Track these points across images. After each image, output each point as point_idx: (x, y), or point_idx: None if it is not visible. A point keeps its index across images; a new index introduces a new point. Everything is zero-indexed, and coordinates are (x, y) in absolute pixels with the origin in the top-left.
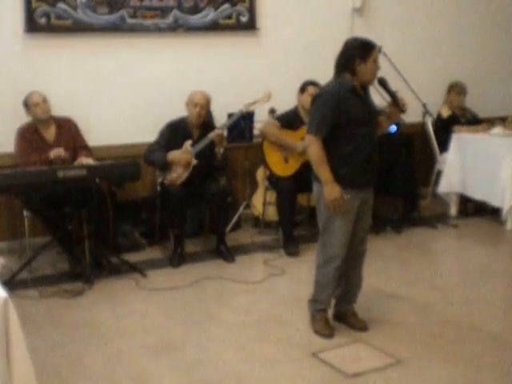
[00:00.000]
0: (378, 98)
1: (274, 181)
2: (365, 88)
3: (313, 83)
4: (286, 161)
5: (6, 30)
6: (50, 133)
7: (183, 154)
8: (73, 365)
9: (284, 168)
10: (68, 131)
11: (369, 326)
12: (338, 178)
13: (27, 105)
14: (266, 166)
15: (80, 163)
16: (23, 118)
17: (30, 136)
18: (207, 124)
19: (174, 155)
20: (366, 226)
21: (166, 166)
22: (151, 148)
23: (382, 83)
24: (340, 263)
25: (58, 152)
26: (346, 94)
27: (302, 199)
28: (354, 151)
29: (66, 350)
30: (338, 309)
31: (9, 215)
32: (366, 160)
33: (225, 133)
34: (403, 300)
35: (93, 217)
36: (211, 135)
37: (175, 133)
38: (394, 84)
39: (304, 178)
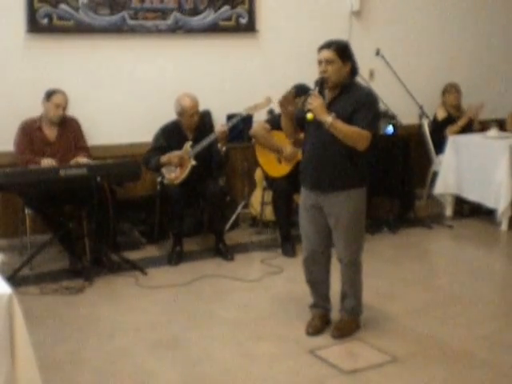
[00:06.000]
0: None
1: (269, 181)
2: (345, 88)
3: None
4: (280, 161)
5: (8, 31)
6: (53, 132)
7: (180, 154)
8: (74, 360)
9: (277, 169)
10: (71, 131)
11: (336, 335)
12: None
13: (49, 98)
14: (260, 168)
15: (76, 162)
16: (24, 118)
17: (32, 132)
18: (201, 125)
19: (169, 155)
20: (338, 241)
21: (160, 169)
22: (147, 156)
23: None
24: (305, 257)
25: (48, 163)
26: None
27: (298, 199)
28: (304, 148)
29: (67, 346)
30: None
31: (10, 213)
32: (307, 161)
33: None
34: (399, 299)
35: (93, 215)
36: (217, 130)
37: (170, 137)
38: (392, 86)
39: (299, 177)
